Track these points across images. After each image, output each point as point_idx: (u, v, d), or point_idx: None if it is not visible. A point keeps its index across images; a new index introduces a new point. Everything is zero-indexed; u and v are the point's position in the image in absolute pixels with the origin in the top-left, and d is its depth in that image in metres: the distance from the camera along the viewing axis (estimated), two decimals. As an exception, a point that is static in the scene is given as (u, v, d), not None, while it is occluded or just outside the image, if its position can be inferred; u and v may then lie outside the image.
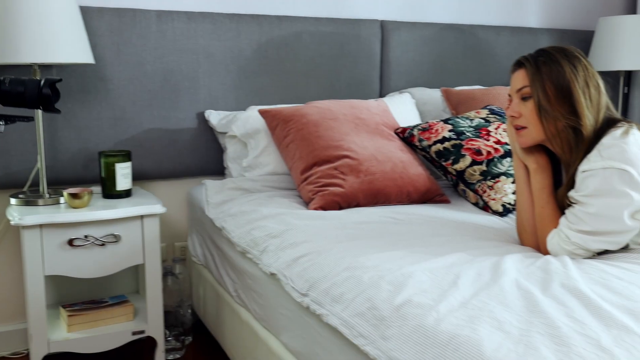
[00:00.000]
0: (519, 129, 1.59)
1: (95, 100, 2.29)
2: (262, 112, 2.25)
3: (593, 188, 1.44)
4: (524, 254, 1.49)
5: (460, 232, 1.70)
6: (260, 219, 1.87)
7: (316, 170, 2.02)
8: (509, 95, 1.61)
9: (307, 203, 2.01)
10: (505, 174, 2.04)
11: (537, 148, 1.62)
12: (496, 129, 2.18)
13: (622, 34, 2.97)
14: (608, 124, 1.52)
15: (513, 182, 2.01)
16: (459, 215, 1.92)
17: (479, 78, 2.95)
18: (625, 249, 1.53)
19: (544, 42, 3.05)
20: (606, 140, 1.47)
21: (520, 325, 1.06)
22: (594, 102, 1.52)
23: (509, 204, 1.98)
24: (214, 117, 2.43)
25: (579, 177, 1.49)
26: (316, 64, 2.63)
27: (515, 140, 1.63)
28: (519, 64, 1.59)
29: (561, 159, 1.59)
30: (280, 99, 2.58)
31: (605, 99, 1.55)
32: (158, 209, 2.03)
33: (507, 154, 2.08)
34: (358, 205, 2.00)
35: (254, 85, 2.52)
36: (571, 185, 1.53)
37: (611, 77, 3.22)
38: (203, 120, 2.46)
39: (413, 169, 2.09)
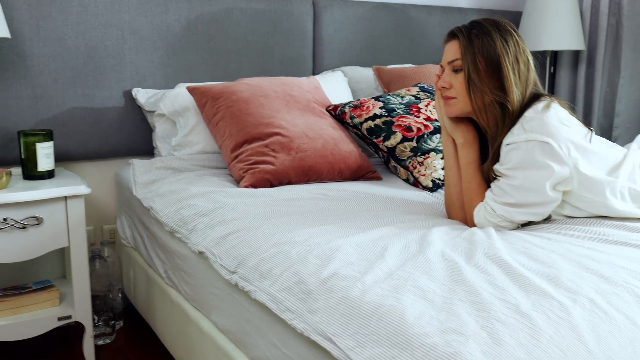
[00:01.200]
0: (448, 98, 1.60)
1: (14, 78, 2.17)
2: (190, 90, 2.19)
3: (516, 161, 1.47)
4: (451, 227, 1.51)
5: (389, 207, 1.71)
6: (189, 198, 1.82)
7: (247, 148, 1.99)
8: (441, 66, 1.62)
9: (237, 181, 1.98)
10: (435, 150, 2.06)
11: (465, 122, 1.63)
12: (426, 106, 2.20)
13: (549, 15, 3.04)
14: (533, 99, 1.55)
15: (442, 158, 2.03)
16: (389, 191, 1.93)
17: (410, 56, 2.97)
18: (547, 220, 1.58)
19: (474, 22, 3.09)
20: (529, 113, 1.50)
21: (444, 294, 1.07)
22: (522, 79, 1.54)
23: (439, 179, 2.00)
24: (142, 95, 2.35)
25: (504, 150, 1.52)
26: (248, 42, 2.58)
27: (444, 114, 1.64)
28: (452, 35, 1.59)
29: (487, 132, 1.61)
30: (211, 76, 2.52)
31: (533, 75, 1.57)
32: (82, 189, 1.95)
33: (437, 130, 2.11)
34: (290, 182, 1.98)
35: (183, 63, 2.46)
36: (496, 158, 1.56)
37: (538, 57, 3.30)
38: (130, 99, 2.38)
39: (345, 146, 2.09)
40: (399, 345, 0.96)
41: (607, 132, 3.32)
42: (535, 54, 3.27)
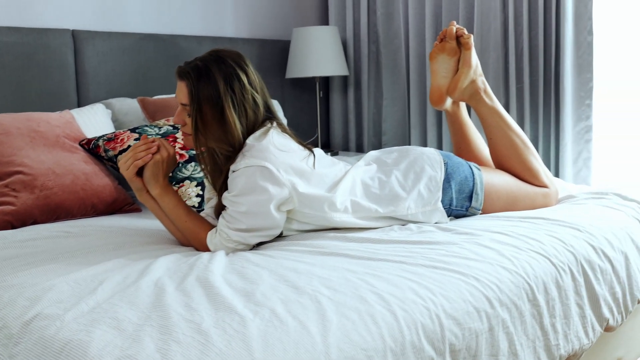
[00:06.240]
0: (185, 134, 1.64)
1: None
2: None
3: (240, 187, 1.55)
4: (184, 254, 1.54)
5: (133, 240, 1.70)
6: None
7: (-16, 189, 1.88)
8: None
9: (-24, 226, 1.87)
10: (190, 178, 2.10)
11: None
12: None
13: (314, 44, 3.26)
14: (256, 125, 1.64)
15: (197, 186, 2.08)
16: (141, 222, 1.93)
17: (181, 87, 3.01)
18: (280, 236, 1.68)
19: (244, 52, 3.20)
20: (249, 140, 1.58)
21: (138, 321, 1.10)
22: (250, 121, 1.60)
23: (193, 206, 2.04)
24: None
25: (230, 178, 1.59)
26: (-2, 76, 2.45)
27: (129, 178, 1.61)
28: (181, 76, 1.60)
29: (218, 162, 1.67)
30: (-42, 115, 2.36)
31: (261, 114, 1.63)
32: None
33: (192, 159, 2.15)
34: (35, 222, 1.91)
35: None
36: (227, 187, 1.62)
37: (308, 83, 3.52)
38: None
39: (98, 180, 2.06)
40: (78, 379, 0.97)
41: (377, 149, 3.61)
42: (304, 81, 3.50)
